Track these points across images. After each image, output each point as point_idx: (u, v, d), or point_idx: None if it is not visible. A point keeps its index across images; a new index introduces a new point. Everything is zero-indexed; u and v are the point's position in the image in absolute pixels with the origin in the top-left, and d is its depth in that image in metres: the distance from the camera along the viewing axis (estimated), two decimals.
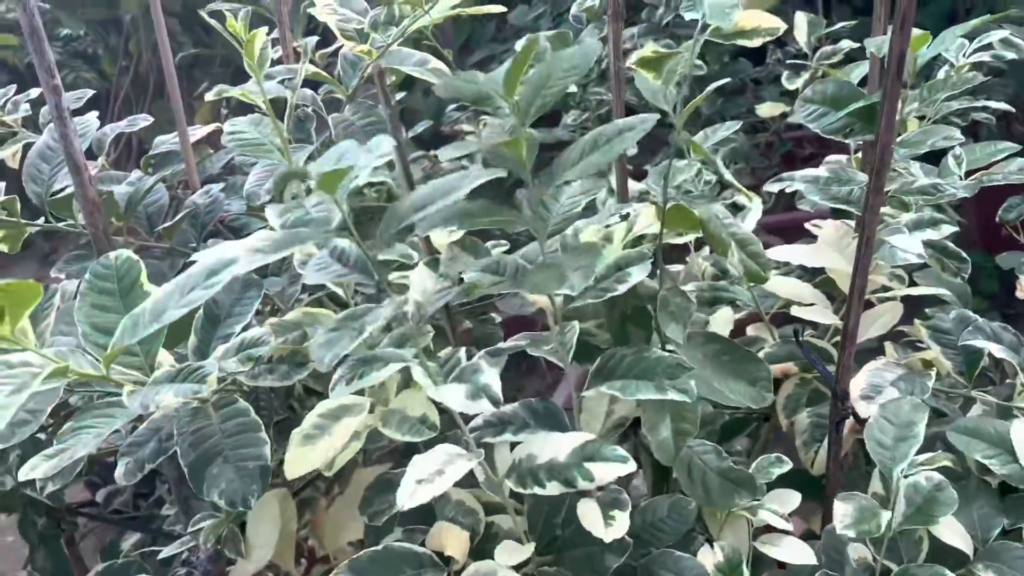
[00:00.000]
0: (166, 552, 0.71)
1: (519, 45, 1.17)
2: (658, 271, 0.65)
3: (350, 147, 0.48)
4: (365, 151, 0.49)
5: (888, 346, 0.74)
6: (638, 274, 0.57)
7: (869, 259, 0.57)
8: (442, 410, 0.58)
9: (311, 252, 0.75)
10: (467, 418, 0.59)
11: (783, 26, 0.54)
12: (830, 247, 0.73)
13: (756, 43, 0.53)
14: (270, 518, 0.68)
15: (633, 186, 0.88)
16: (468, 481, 0.57)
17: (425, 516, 0.63)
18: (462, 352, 0.57)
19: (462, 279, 0.61)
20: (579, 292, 0.48)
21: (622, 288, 0.57)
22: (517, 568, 0.57)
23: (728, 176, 0.61)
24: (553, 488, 0.54)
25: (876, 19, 0.65)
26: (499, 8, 0.69)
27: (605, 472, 0.54)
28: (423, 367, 0.55)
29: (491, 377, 0.53)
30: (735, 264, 0.65)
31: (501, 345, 0.62)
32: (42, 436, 0.78)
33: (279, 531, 0.67)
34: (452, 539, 0.60)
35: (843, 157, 0.94)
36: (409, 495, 0.51)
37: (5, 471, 0.81)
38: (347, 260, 0.55)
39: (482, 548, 0.60)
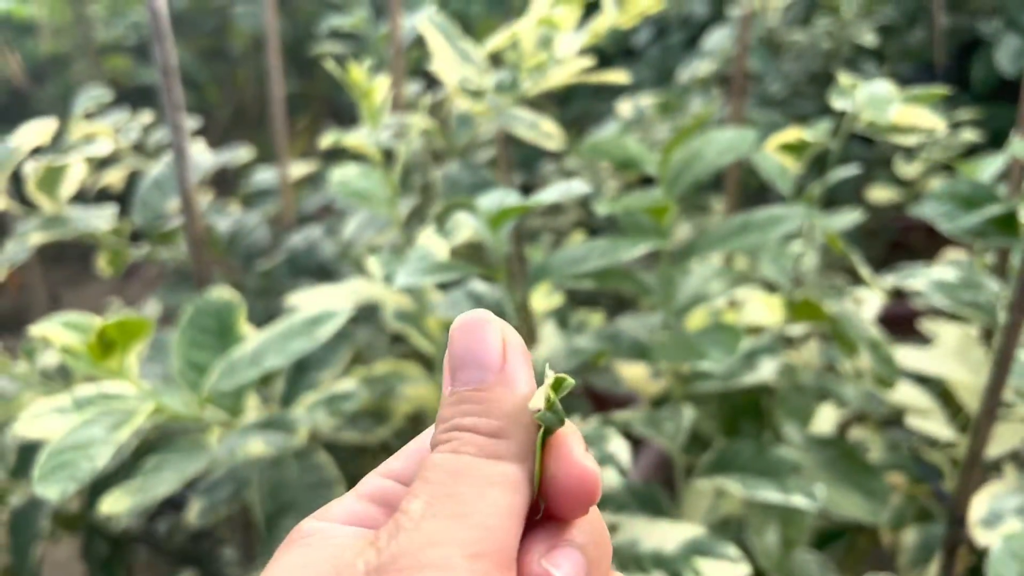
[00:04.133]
0: None
1: (623, 108, 1.16)
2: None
3: (508, 193, 0.49)
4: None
5: (1009, 468, 0.68)
6: (768, 365, 0.54)
7: (1004, 379, 0.53)
8: None
9: (400, 302, 0.74)
10: None
11: (942, 126, 0.51)
12: (951, 354, 0.68)
13: (910, 141, 0.50)
14: None
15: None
16: None
17: None
18: (576, 417, 0.54)
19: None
20: (723, 367, 0.45)
21: (751, 377, 0.54)
22: None
23: (867, 274, 0.57)
24: None
25: None
26: (622, 77, 0.68)
27: (716, 571, 0.49)
28: None
29: (619, 446, 0.49)
30: (864, 366, 0.61)
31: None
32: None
33: None
34: None
35: (962, 255, 0.90)
36: None
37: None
38: (483, 302, 0.55)
39: None
